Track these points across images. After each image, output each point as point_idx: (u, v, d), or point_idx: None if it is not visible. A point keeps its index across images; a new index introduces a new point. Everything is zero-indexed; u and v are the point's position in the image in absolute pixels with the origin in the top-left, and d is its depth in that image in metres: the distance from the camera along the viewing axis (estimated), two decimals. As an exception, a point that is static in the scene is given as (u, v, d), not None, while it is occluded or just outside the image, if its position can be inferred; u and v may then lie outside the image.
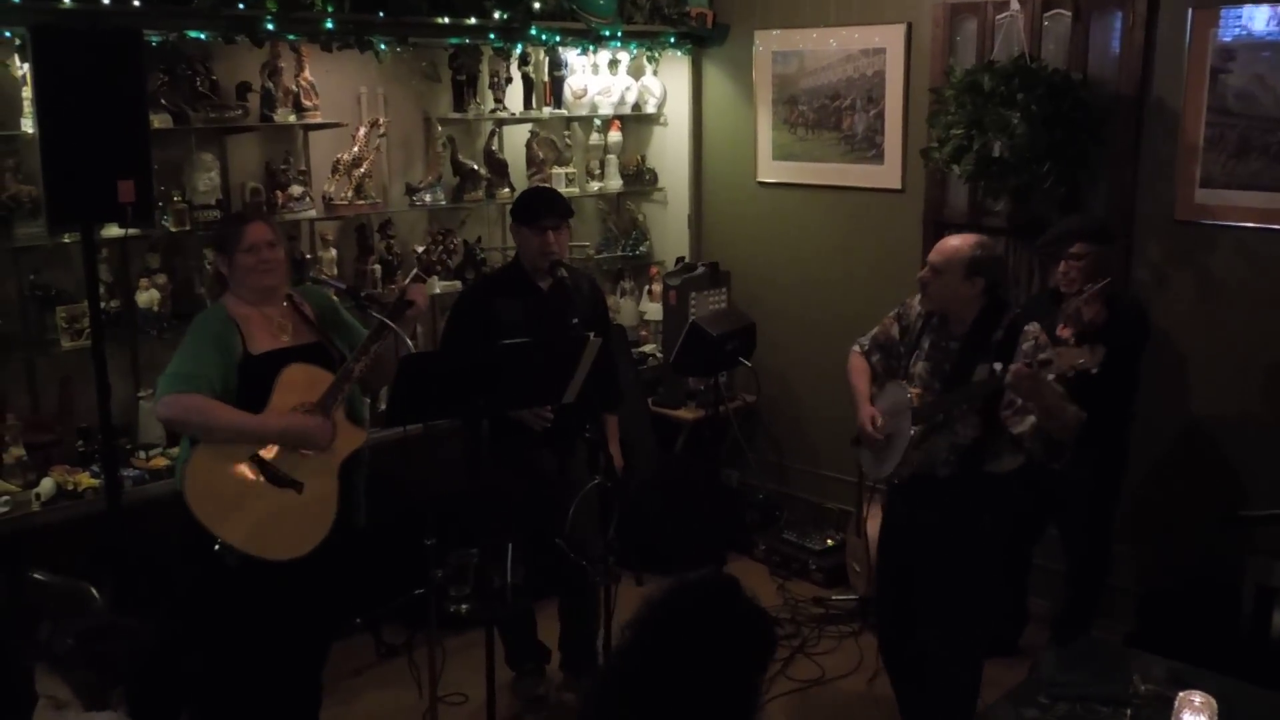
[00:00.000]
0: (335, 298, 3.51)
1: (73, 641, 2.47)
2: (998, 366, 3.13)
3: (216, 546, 3.05)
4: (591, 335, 3.39)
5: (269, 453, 3.15)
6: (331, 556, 3.26)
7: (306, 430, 3.15)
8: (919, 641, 3.41)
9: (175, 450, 3.82)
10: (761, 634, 1.91)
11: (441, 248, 4.95)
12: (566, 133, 5.44)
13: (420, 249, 4.90)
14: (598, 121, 5.50)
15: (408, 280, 3.52)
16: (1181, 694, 2.48)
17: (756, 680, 1.88)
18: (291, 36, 4.22)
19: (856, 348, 3.59)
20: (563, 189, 5.20)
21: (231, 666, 3.28)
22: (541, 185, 4.98)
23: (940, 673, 3.38)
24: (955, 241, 3.30)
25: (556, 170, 5.29)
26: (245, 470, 3.12)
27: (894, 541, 3.53)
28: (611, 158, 5.58)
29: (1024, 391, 3.10)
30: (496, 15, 4.61)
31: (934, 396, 3.26)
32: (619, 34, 5.12)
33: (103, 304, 3.63)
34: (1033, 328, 3.24)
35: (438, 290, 4.86)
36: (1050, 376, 3.05)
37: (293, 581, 3.20)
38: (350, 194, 4.54)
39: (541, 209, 3.79)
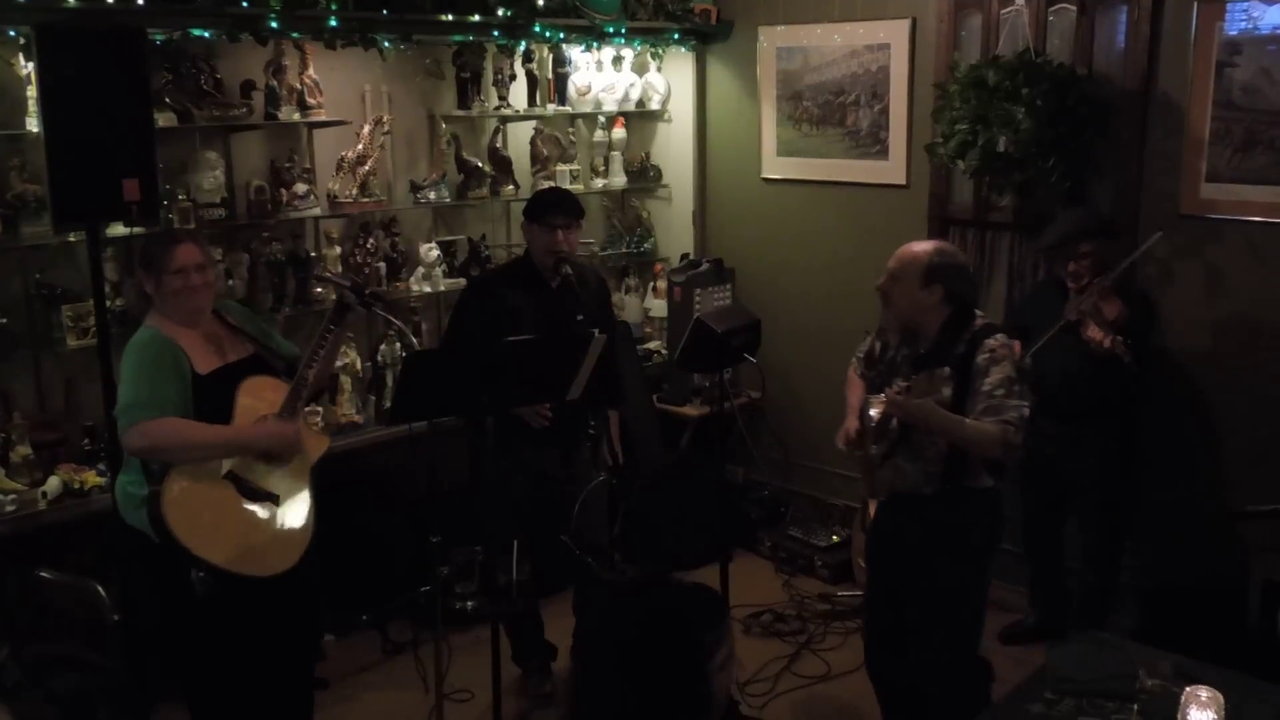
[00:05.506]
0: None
1: (20, 675, 2.34)
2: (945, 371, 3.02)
3: (200, 574, 2.98)
4: (596, 332, 3.40)
5: (241, 468, 3.10)
6: (308, 562, 3.23)
7: (283, 435, 3.14)
8: (911, 663, 3.29)
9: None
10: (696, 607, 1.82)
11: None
12: (571, 130, 5.44)
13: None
14: (602, 118, 5.49)
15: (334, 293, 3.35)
16: (1188, 689, 2.47)
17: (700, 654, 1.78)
18: (295, 34, 4.22)
19: (854, 361, 3.51)
20: (567, 186, 5.20)
21: (220, 678, 3.22)
22: (555, 186, 4.94)
23: (938, 693, 3.26)
24: (914, 247, 3.18)
25: (561, 167, 5.28)
26: (222, 489, 3.06)
27: (882, 558, 3.42)
28: (616, 154, 5.57)
29: (906, 417, 3.05)
30: (500, 12, 4.61)
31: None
32: (623, 30, 5.12)
33: (108, 302, 3.63)
34: (993, 340, 3.07)
35: (442, 288, 4.86)
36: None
37: (272, 591, 3.14)
38: (355, 191, 4.54)
39: (552, 207, 3.82)
